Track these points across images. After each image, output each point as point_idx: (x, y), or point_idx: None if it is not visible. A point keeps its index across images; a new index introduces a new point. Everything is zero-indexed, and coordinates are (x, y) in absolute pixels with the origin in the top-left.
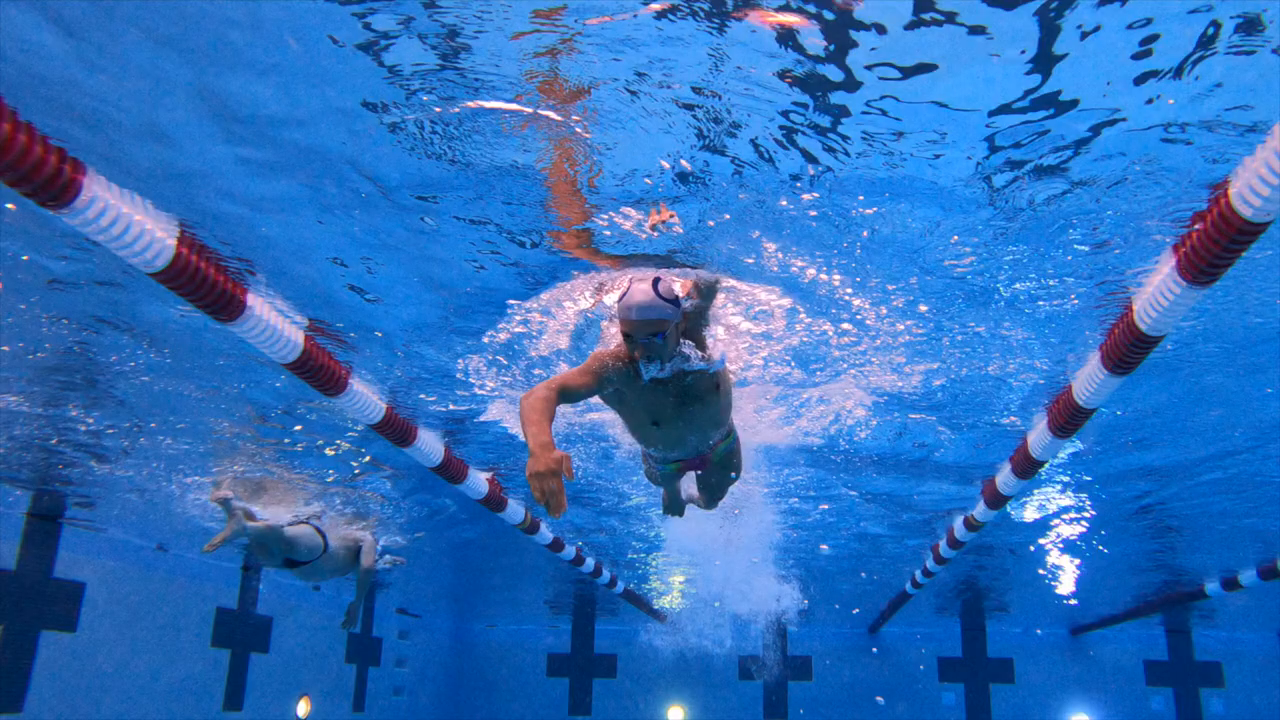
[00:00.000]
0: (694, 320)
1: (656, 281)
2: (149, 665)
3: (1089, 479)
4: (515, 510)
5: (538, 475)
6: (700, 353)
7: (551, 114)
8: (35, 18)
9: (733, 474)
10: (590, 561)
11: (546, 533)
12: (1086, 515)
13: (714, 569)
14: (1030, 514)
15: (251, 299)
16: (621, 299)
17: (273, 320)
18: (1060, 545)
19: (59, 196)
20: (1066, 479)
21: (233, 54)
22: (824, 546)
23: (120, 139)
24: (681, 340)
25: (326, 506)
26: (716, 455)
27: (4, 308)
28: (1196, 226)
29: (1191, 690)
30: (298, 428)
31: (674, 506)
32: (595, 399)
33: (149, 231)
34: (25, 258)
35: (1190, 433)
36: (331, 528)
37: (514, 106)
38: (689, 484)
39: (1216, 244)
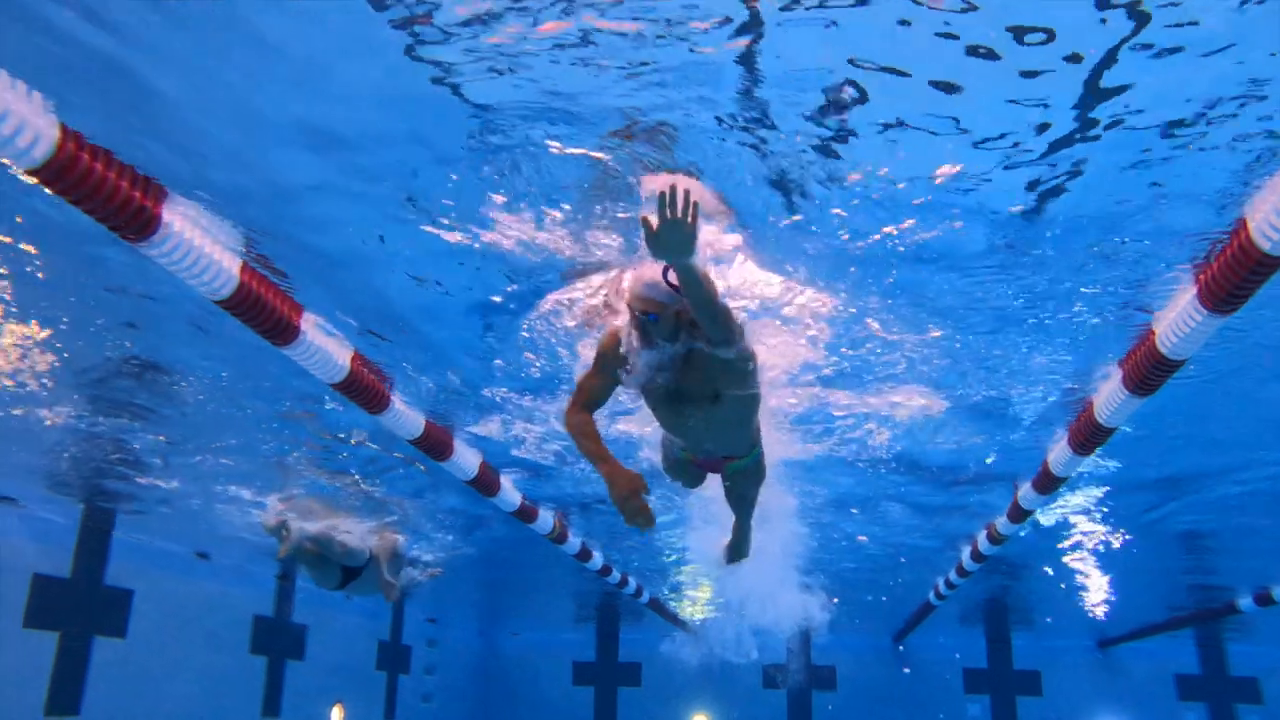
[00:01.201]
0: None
1: (667, 270)
2: (193, 671)
3: (1118, 490)
4: (545, 520)
5: (623, 499)
6: (708, 342)
7: (616, 154)
8: (143, 56)
9: (756, 490)
10: (617, 573)
11: (574, 541)
12: (1115, 527)
13: (739, 578)
14: (1057, 525)
15: (305, 324)
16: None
17: (323, 343)
18: (1088, 557)
19: (140, 231)
20: (1095, 490)
21: (321, 81)
22: (862, 537)
23: (204, 162)
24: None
25: (370, 520)
26: (731, 468)
27: (75, 327)
28: (1217, 256)
29: (1226, 706)
30: (353, 440)
31: (680, 473)
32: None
33: (217, 263)
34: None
35: (1221, 445)
36: (365, 538)
37: (586, 152)
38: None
39: (1236, 275)
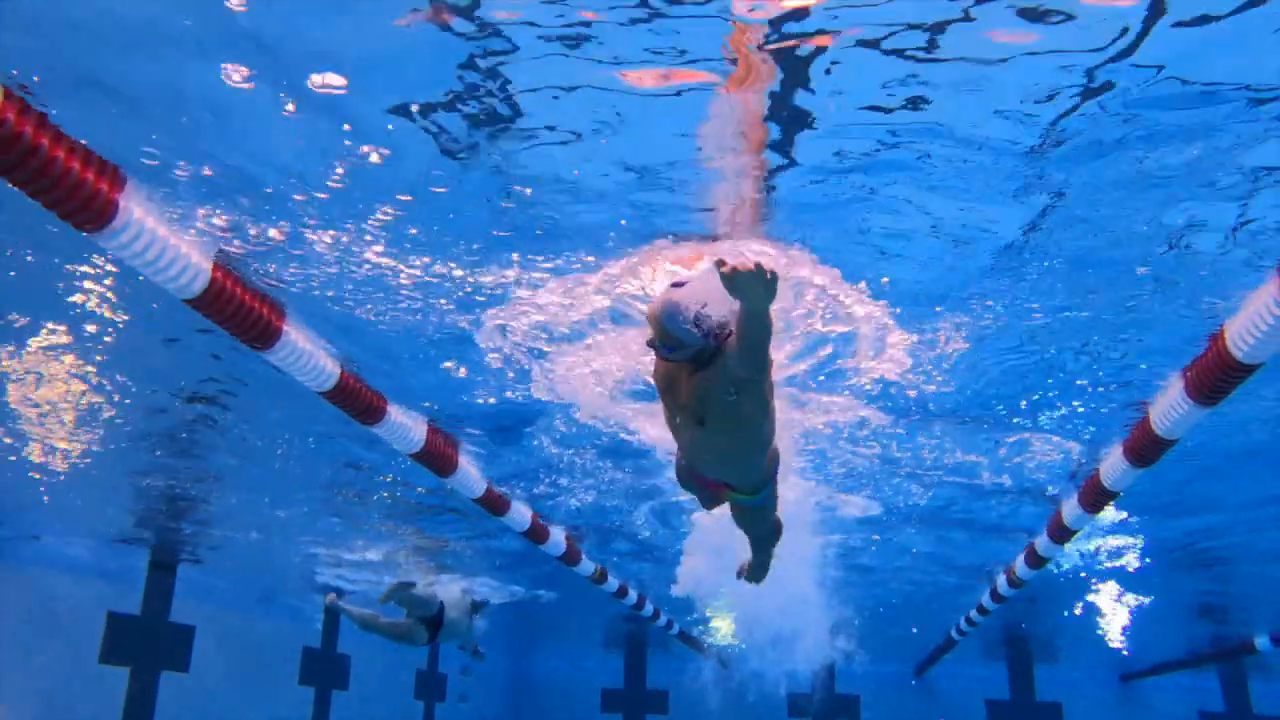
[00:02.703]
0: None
1: (699, 315)
2: (249, 703)
3: (1141, 528)
4: (587, 565)
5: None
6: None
7: None
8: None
9: (764, 529)
10: (650, 606)
11: (613, 581)
12: (1138, 564)
13: (764, 609)
14: (1082, 561)
15: (390, 408)
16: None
17: (403, 421)
18: (1110, 592)
19: (266, 342)
20: (1119, 526)
21: None
22: (875, 536)
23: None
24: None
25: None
26: (732, 498)
27: (147, 395)
28: (1200, 357)
29: None
30: (426, 493)
31: (689, 484)
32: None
33: (323, 365)
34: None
35: (1247, 481)
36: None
37: None
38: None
39: (1215, 375)
